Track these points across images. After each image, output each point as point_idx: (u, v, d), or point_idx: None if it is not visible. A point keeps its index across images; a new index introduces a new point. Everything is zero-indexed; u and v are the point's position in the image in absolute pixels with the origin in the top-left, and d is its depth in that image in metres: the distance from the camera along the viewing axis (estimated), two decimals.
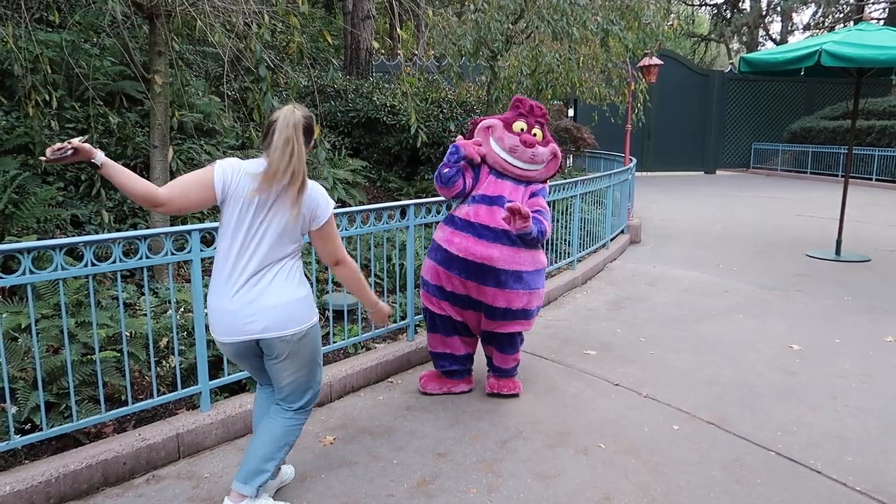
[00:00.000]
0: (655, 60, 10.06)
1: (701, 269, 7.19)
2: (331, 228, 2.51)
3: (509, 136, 3.63)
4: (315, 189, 2.45)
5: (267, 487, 2.69)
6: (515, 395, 3.83)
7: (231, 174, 2.36)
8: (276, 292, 2.38)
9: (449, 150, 3.61)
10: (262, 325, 2.37)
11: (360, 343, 4.21)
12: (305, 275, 2.57)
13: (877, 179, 17.31)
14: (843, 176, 8.42)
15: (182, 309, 3.90)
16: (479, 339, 3.90)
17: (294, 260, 2.49)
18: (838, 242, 7.82)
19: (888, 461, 3.11)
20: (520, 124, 3.66)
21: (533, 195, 3.68)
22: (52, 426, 2.82)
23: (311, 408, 2.69)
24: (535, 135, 3.68)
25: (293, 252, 2.47)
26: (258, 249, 2.37)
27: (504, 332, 3.71)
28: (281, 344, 2.41)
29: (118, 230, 4.96)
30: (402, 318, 4.43)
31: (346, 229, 3.84)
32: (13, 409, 2.80)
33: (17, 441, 2.70)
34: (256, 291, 2.37)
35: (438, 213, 4.34)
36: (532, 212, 3.49)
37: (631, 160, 10.20)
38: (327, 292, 4.47)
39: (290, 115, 2.34)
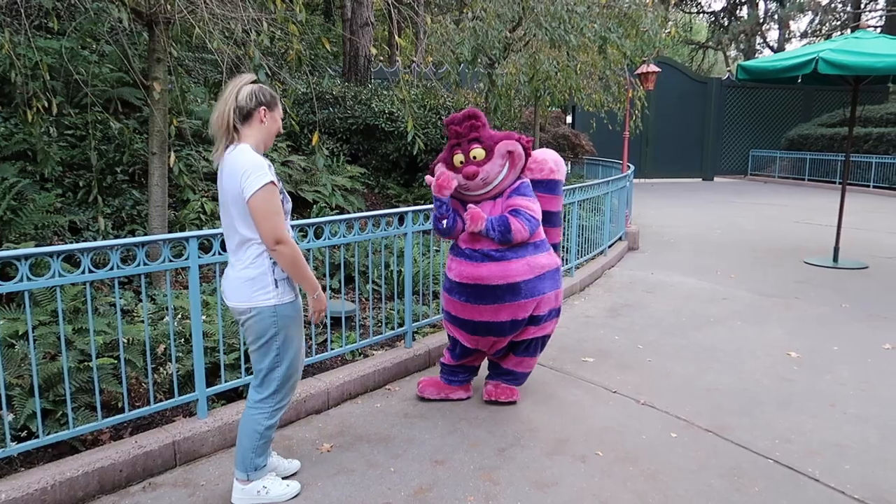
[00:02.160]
0: (653, 68, 10.09)
1: (699, 277, 7.19)
2: (255, 205, 2.45)
3: (454, 176, 3.46)
4: (233, 155, 2.51)
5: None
6: (513, 403, 3.82)
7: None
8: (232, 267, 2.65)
9: (434, 203, 3.54)
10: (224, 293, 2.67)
11: (357, 350, 4.20)
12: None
13: (874, 186, 17.35)
14: (840, 183, 8.43)
15: (179, 315, 3.89)
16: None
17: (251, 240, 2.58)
18: (836, 249, 7.83)
19: (886, 469, 3.11)
20: (458, 158, 3.47)
21: (511, 195, 3.57)
22: (48, 433, 2.81)
23: (273, 406, 2.73)
24: (474, 157, 3.44)
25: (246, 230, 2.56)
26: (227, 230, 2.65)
27: (520, 340, 3.73)
28: (234, 314, 2.66)
29: (116, 237, 4.96)
30: (401, 325, 4.43)
31: (343, 236, 3.84)
32: (9, 417, 2.79)
33: (14, 448, 2.69)
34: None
35: None
36: (509, 211, 3.50)
37: (629, 167, 10.22)
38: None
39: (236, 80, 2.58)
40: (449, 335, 3.90)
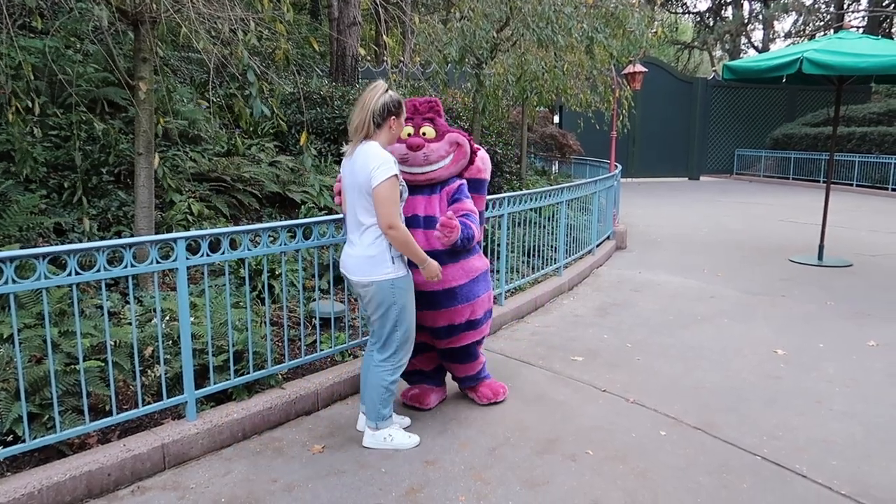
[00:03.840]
0: (640, 68, 10.15)
1: (686, 275, 7.24)
2: (380, 192, 2.93)
3: (397, 146, 3.33)
4: (365, 150, 3.01)
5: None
6: (497, 403, 3.83)
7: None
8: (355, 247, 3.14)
9: None
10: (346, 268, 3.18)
11: (346, 351, 4.19)
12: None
13: (857, 185, 17.56)
14: (824, 182, 8.53)
15: (167, 318, 3.86)
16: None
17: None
18: (821, 248, 7.91)
19: (872, 465, 3.14)
20: (407, 129, 3.39)
21: (453, 198, 3.47)
22: (34, 437, 2.78)
23: (394, 364, 3.23)
24: (423, 133, 3.39)
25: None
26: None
27: (457, 346, 3.61)
28: (354, 286, 3.20)
29: (101, 238, 4.91)
30: None
31: (332, 236, 3.83)
32: None
33: (0, 453, 2.65)
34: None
35: None
36: (459, 216, 3.36)
37: (616, 166, 10.27)
38: (314, 299, 4.45)
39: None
40: None
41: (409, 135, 3.39)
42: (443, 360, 3.77)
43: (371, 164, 2.94)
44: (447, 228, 3.24)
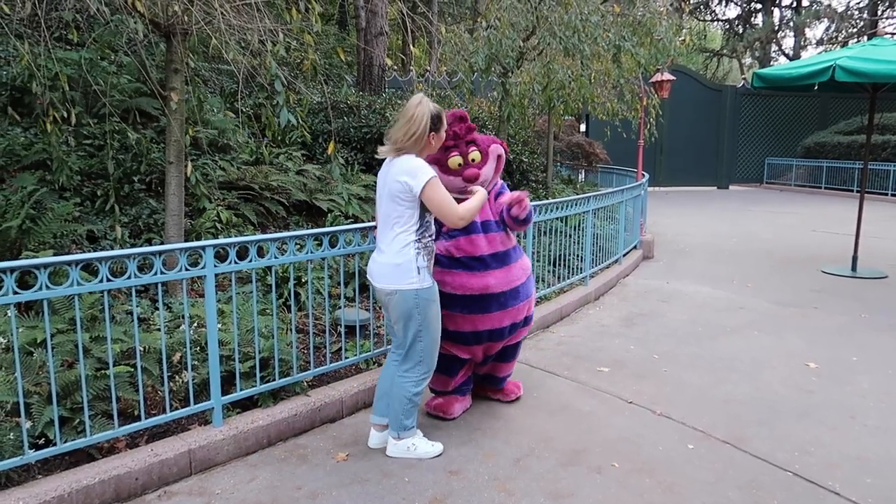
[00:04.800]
0: (668, 76, 10.06)
1: (715, 286, 7.13)
2: (429, 195, 2.99)
3: (452, 179, 3.39)
4: (401, 160, 3.04)
5: (370, 440, 3.40)
6: (518, 399, 3.96)
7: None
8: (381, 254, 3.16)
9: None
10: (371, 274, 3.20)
11: (371, 359, 4.20)
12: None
13: (892, 195, 17.16)
14: (858, 191, 8.35)
15: (195, 324, 3.91)
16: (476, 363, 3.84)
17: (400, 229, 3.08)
18: (854, 258, 7.74)
19: None
20: (456, 160, 3.41)
21: (497, 194, 3.64)
22: (65, 441, 2.83)
23: (418, 375, 3.22)
24: (473, 160, 3.44)
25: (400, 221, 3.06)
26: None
27: (512, 344, 3.76)
28: (377, 293, 3.20)
29: (133, 245, 5.00)
30: None
31: (358, 244, 3.85)
32: (27, 424, 2.81)
33: (32, 456, 2.71)
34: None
35: None
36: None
37: (643, 175, 10.17)
38: (339, 307, 4.47)
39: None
40: (444, 359, 3.60)
41: (459, 165, 3.43)
42: (493, 362, 3.84)
43: (405, 172, 2.98)
44: (521, 201, 3.39)
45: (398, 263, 3.06)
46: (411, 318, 3.12)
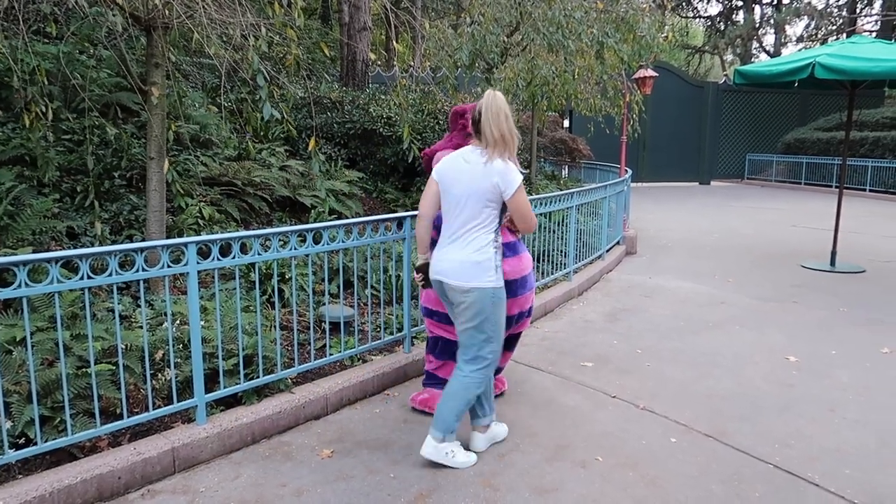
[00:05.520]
0: (650, 72, 10.11)
1: (697, 281, 7.20)
2: (520, 199, 3.03)
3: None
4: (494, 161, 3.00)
5: (477, 444, 3.29)
6: (502, 395, 3.98)
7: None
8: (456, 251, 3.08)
9: None
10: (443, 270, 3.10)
11: (356, 355, 4.19)
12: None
13: (870, 190, 17.41)
14: (837, 187, 8.46)
15: (178, 321, 3.88)
16: None
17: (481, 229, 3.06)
18: (833, 253, 7.85)
19: (886, 474, 3.11)
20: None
21: None
22: (46, 440, 2.80)
23: (484, 376, 3.14)
24: None
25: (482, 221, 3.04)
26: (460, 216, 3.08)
27: (515, 333, 3.77)
28: (449, 291, 3.09)
29: (113, 242, 4.94)
30: (399, 330, 4.42)
31: (342, 241, 3.83)
32: (7, 424, 2.78)
33: (12, 455, 2.67)
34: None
35: None
36: None
37: (626, 171, 10.23)
38: (324, 304, 4.45)
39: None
40: (439, 339, 3.74)
41: None
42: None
43: (499, 174, 2.96)
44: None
45: (478, 261, 3.01)
46: (486, 317, 3.05)
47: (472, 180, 3.00)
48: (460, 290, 3.03)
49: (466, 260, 3.01)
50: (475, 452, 3.25)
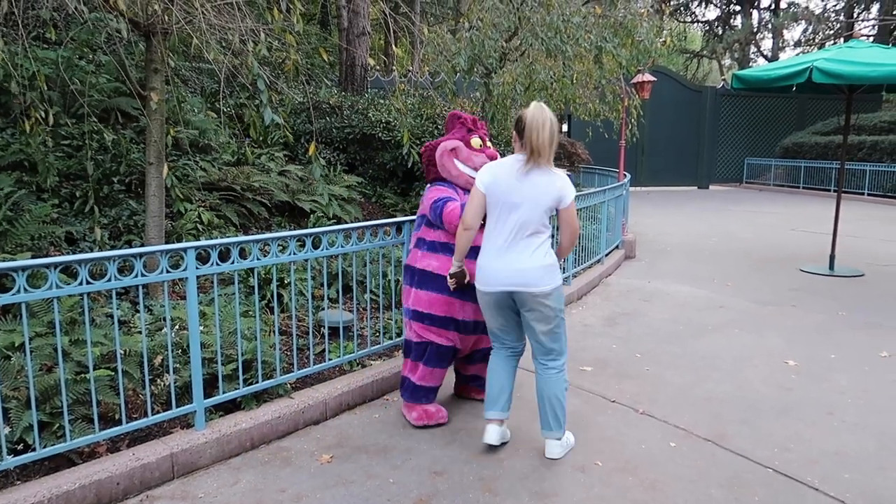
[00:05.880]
0: (648, 77, 10.15)
1: (696, 285, 7.20)
2: (573, 211, 3.27)
3: (476, 154, 3.69)
4: (552, 172, 3.19)
5: (490, 437, 3.35)
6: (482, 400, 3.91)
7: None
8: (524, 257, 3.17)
9: (441, 201, 3.56)
10: (513, 281, 3.16)
11: (355, 360, 4.19)
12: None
13: (868, 194, 17.43)
14: (835, 191, 8.48)
15: (177, 326, 3.88)
16: (461, 360, 3.93)
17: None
18: (832, 257, 7.85)
19: (885, 477, 3.11)
20: (476, 140, 3.74)
21: None
22: (45, 446, 2.79)
23: (565, 361, 3.32)
24: (489, 147, 3.78)
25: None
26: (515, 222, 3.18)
27: None
28: (530, 299, 3.15)
29: (112, 247, 4.94)
30: (398, 335, 4.42)
31: (341, 246, 3.84)
32: (6, 430, 2.77)
33: (10, 461, 2.67)
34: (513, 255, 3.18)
35: None
36: None
37: (625, 175, 10.25)
38: (323, 308, 4.45)
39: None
40: (429, 345, 3.61)
41: (479, 145, 3.75)
42: (479, 363, 3.90)
43: (561, 186, 3.16)
44: None
45: (550, 264, 3.18)
46: (561, 312, 3.23)
47: (534, 189, 3.14)
48: (542, 295, 3.14)
49: (540, 265, 3.15)
50: (485, 443, 3.37)
